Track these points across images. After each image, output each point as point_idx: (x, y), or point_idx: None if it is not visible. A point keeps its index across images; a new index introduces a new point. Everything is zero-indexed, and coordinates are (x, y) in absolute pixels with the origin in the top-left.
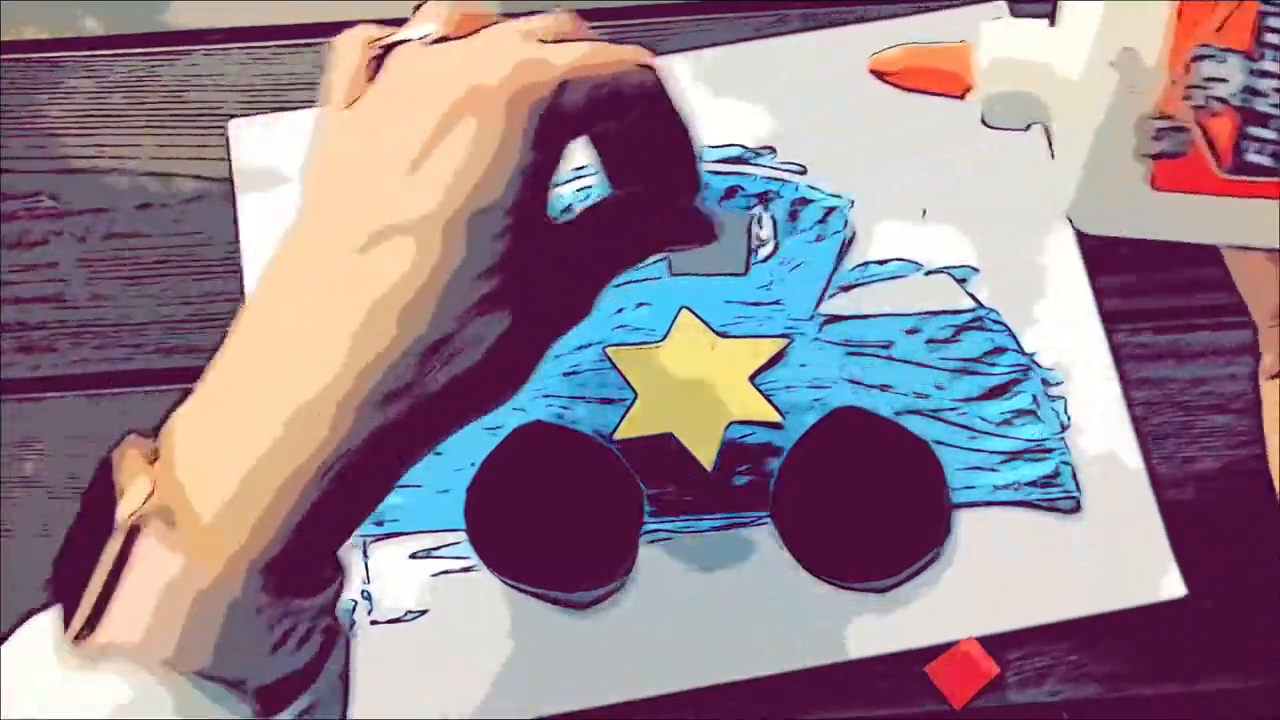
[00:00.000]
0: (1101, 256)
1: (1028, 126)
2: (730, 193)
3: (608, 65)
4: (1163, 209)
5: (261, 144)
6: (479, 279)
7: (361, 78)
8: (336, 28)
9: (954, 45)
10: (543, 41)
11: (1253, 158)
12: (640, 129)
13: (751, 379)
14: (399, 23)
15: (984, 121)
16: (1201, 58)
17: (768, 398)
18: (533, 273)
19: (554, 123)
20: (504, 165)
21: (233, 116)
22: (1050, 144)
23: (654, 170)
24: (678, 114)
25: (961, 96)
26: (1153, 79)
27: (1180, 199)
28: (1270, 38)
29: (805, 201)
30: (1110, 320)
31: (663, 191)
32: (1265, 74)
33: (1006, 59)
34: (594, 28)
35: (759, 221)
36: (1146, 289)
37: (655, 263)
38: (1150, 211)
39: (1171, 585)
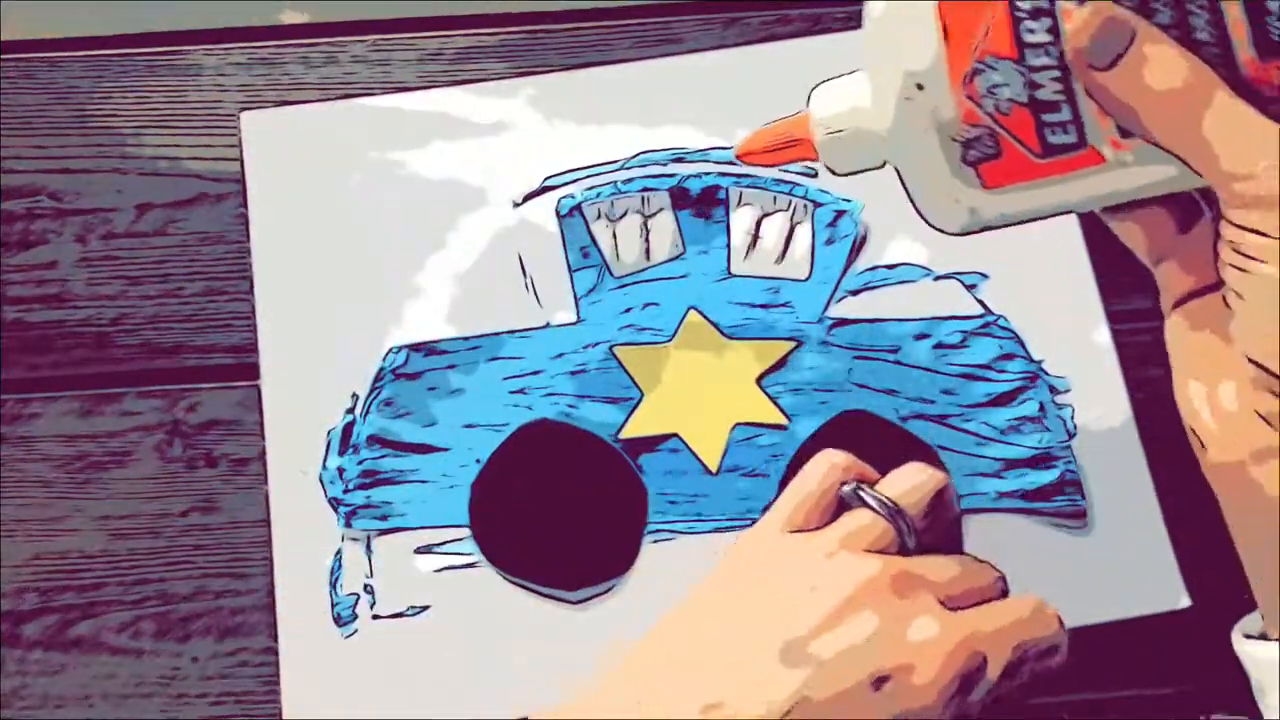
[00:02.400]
0: (1111, 264)
1: (870, 169)
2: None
3: (1026, 630)
4: (1004, 201)
5: (273, 136)
6: None
7: (822, 505)
8: (337, 28)
9: (794, 117)
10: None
11: (1056, 139)
12: None
13: (758, 381)
14: (401, 25)
15: (832, 172)
16: (978, 72)
17: (774, 400)
18: None
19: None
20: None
21: (232, 116)
22: (900, 177)
23: None
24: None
25: (817, 159)
26: (946, 100)
27: (1014, 190)
28: (1028, 37)
29: (816, 204)
30: (1118, 328)
31: None
32: (1037, 68)
33: (832, 117)
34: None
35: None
36: (1156, 297)
37: (671, 261)
38: (995, 207)
39: (1176, 596)
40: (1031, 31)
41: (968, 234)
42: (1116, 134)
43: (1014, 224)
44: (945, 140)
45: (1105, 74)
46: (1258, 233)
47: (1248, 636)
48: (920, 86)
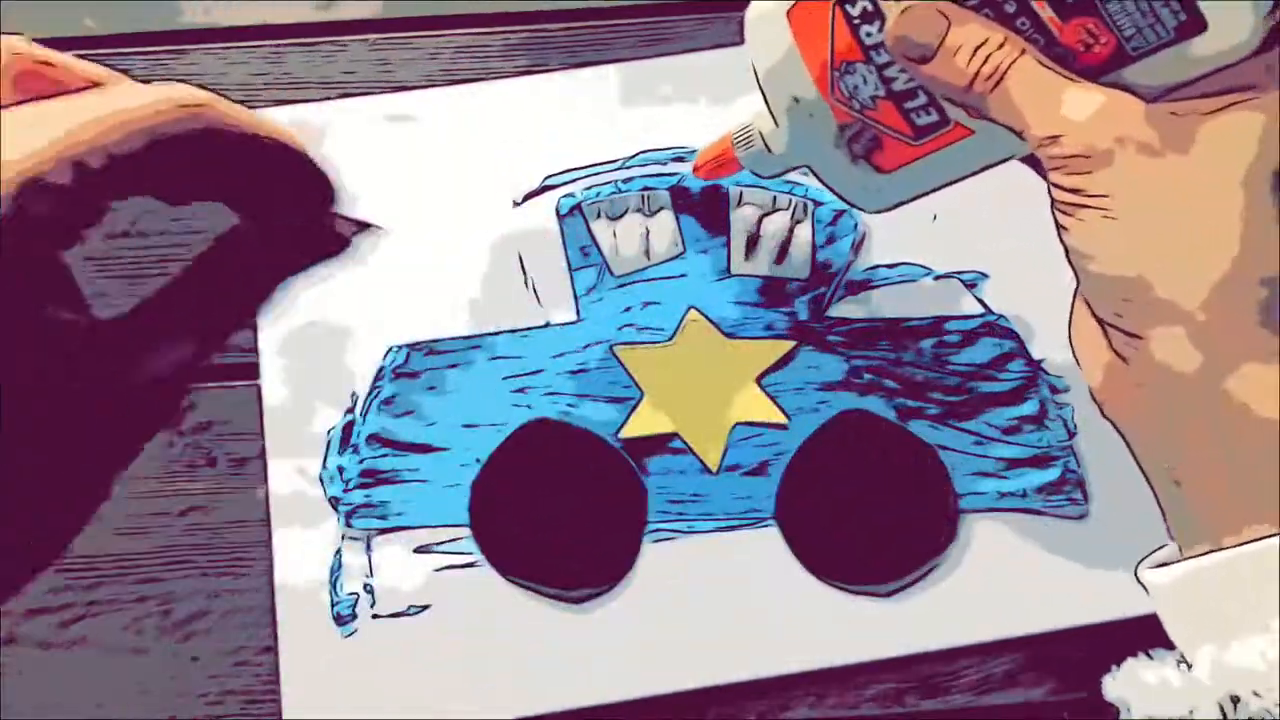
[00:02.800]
0: None
1: (786, 171)
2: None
3: (101, 138)
4: (901, 180)
5: None
6: None
7: None
8: (337, 28)
9: (720, 138)
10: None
11: (923, 120)
12: (221, 168)
13: (758, 380)
14: (401, 25)
15: (753, 173)
16: (837, 78)
17: (774, 399)
18: (42, 403)
19: (16, 240)
20: None
21: None
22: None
23: (264, 195)
24: (252, 137)
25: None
26: (820, 107)
27: (905, 169)
28: (867, 40)
29: (816, 203)
30: None
31: (285, 211)
32: (885, 65)
33: (741, 131)
34: (590, 27)
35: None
36: None
37: (671, 260)
38: (895, 185)
39: None
40: (869, 35)
41: (891, 209)
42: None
43: (930, 192)
44: (833, 141)
45: (926, 66)
46: (1072, 190)
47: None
48: (797, 100)
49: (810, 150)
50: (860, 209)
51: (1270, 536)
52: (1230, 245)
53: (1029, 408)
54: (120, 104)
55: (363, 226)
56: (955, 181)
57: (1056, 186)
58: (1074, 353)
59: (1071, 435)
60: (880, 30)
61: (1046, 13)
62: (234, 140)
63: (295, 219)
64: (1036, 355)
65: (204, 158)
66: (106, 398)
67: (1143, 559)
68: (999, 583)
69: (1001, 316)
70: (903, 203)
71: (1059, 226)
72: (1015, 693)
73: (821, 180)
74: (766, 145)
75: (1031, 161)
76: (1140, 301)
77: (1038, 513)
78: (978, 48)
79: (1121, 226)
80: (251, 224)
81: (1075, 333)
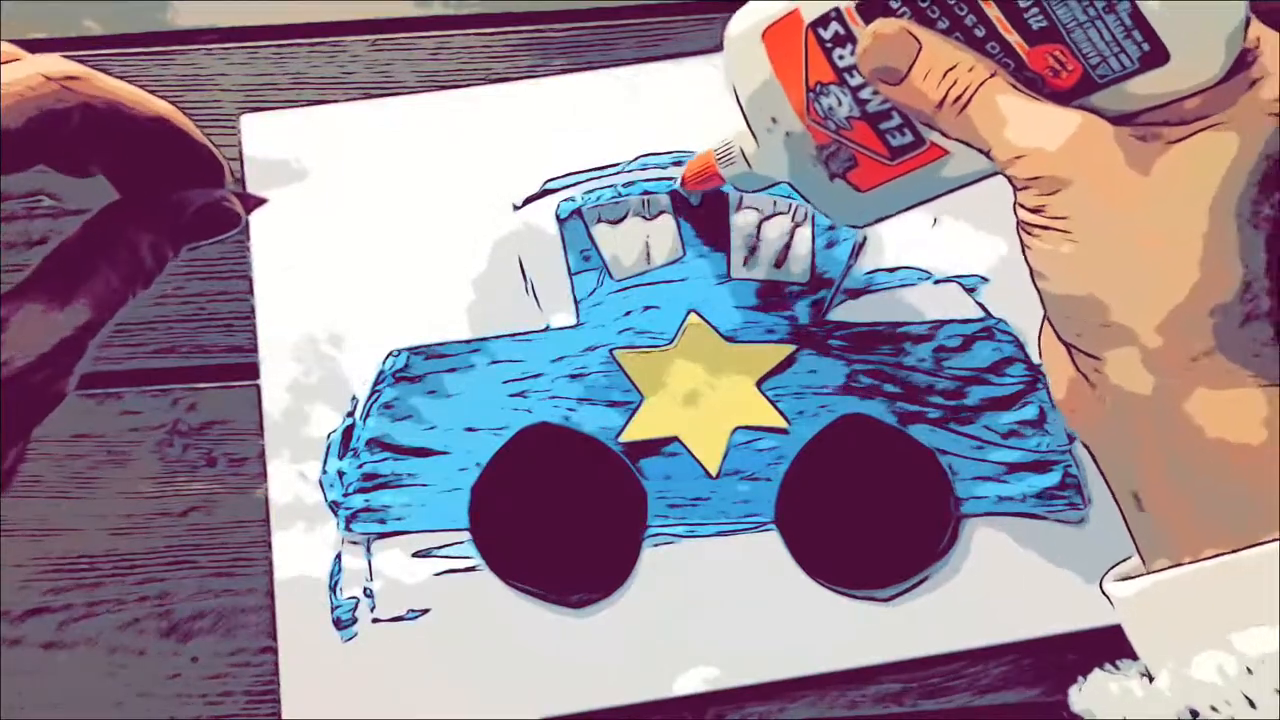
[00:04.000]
0: None
1: (769, 186)
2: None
3: None
4: (879, 198)
5: (273, 138)
6: None
7: None
8: (336, 28)
9: (703, 153)
10: None
11: (897, 141)
12: (101, 141)
13: (759, 384)
14: (401, 25)
15: (737, 189)
16: (812, 100)
17: (774, 403)
18: None
19: None
20: None
21: (232, 116)
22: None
23: (148, 168)
24: (127, 111)
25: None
26: (797, 127)
27: (883, 188)
28: (840, 62)
29: None
30: None
31: (170, 185)
32: (858, 86)
33: (723, 148)
34: (592, 28)
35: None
36: None
37: (671, 264)
38: (874, 203)
39: None
40: (841, 57)
41: (872, 224)
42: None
43: (908, 209)
44: (810, 160)
45: (897, 88)
46: (1033, 210)
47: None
48: (775, 119)
49: (790, 168)
50: (841, 224)
51: (1227, 554)
52: (1189, 271)
53: (1029, 412)
54: None
55: (254, 202)
56: (934, 199)
57: (1020, 206)
58: (1042, 367)
59: (1071, 439)
60: (852, 53)
61: (1014, 38)
62: (110, 114)
63: (181, 195)
64: (1036, 359)
65: (84, 131)
66: None
67: (1106, 571)
68: (999, 587)
69: (1001, 320)
70: (883, 219)
71: (1022, 246)
72: (1015, 693)
73: (803, 196)
74: (747, 162)
75: None
76: (1097, 323)
77: (1037, 517)
78: (948, 71)
79: (1080, 248)
80: (132, 198)
81: (1044, 348)
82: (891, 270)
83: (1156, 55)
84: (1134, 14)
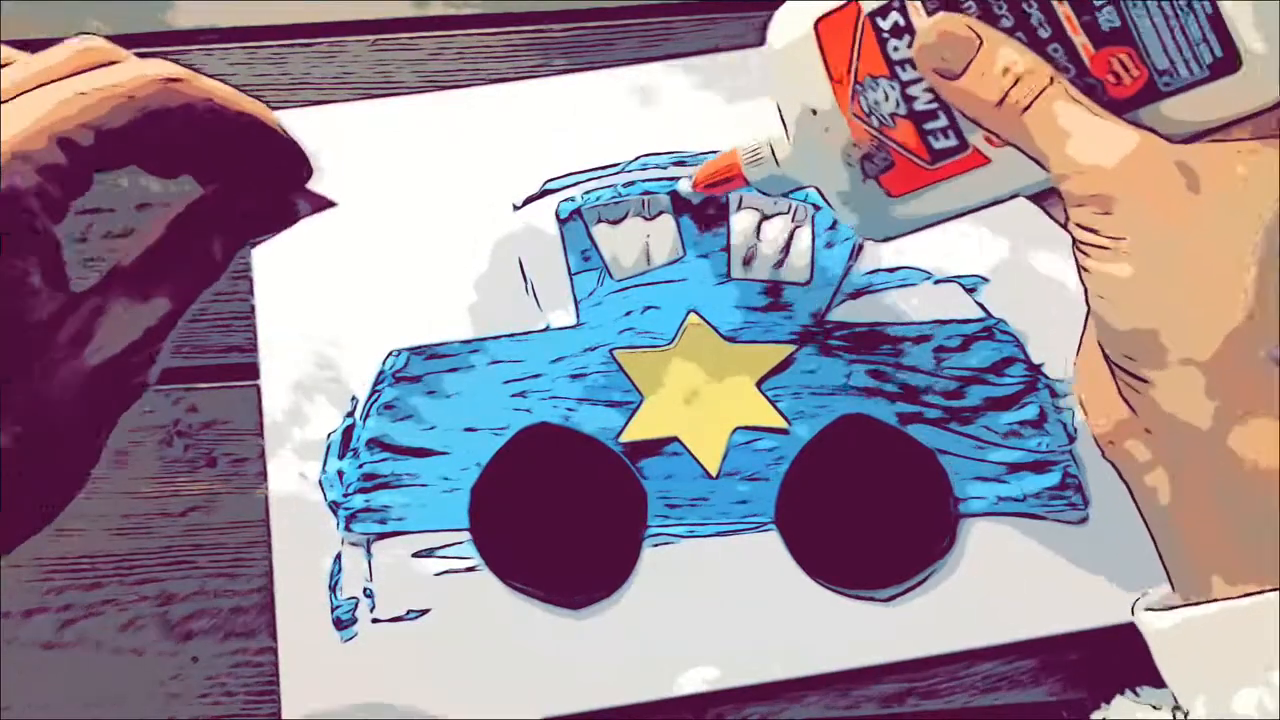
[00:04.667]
0: None
1: (793, 191)
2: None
3: (83, 115)
4: (909, 205)
5: None
6: None
7: None
8: (336, 28)
9: (726, 152)
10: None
11: (939, 144)
12: (198, 140)
13: (758, 384)
14: (401, 25)
15: (763, 193)
16: (859, 93)
17: (774, 403)
18: (24, 378)
19: (4, 213)
20: None
21: None
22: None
23: (238, 167)
24: (227, 111)
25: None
26: (837, 122)
27: (915, 195)
28: (894, 55)
29: (816, 208)
30: None
31: (257, 183)
32: (909, 82)
33: (750, 147)
34: (592, 28)
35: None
36: None
37: (671, 264)
38: (905, 212)
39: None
40: (896, 49)
41: (893, 239)
42: (988, 137)
43: (933, 224)
44: (845, 158)
45: (954, 83)
46: (1089, 229)
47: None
48: (814, 112)
49: (820, 167)
50: (863, 236)
51: (1270, 591)
52: (1245, 295)
53: (1029, 412)
54: (101, 82)
55: (324, 204)
56: (959, 215)
57: (1075, 224)
58: (1079, 394)
59: (1071, 439)
60: (908, 46)
61: (1080, 39)
62: (208, 114)
63: (264, 192)
64: (1036, 359)
65: (184, 130)
66: (82, 366)
67: (1137, 599)
68: (999, 587)
69: (1001, 320)
70: (905, 234)
71: (1078, 265)
72: (1015, 693)
73: (827, 202)
74: (776, 160)
75: (1037, 200)
76: (1150, 347)
77: (1037, 517)
78: (1007, 69)
79: (1136, 270)
80: (219, 194)
81: (1081, 372)
82: (891, 270)
83: (1228, 63)
84: (1212, 16)
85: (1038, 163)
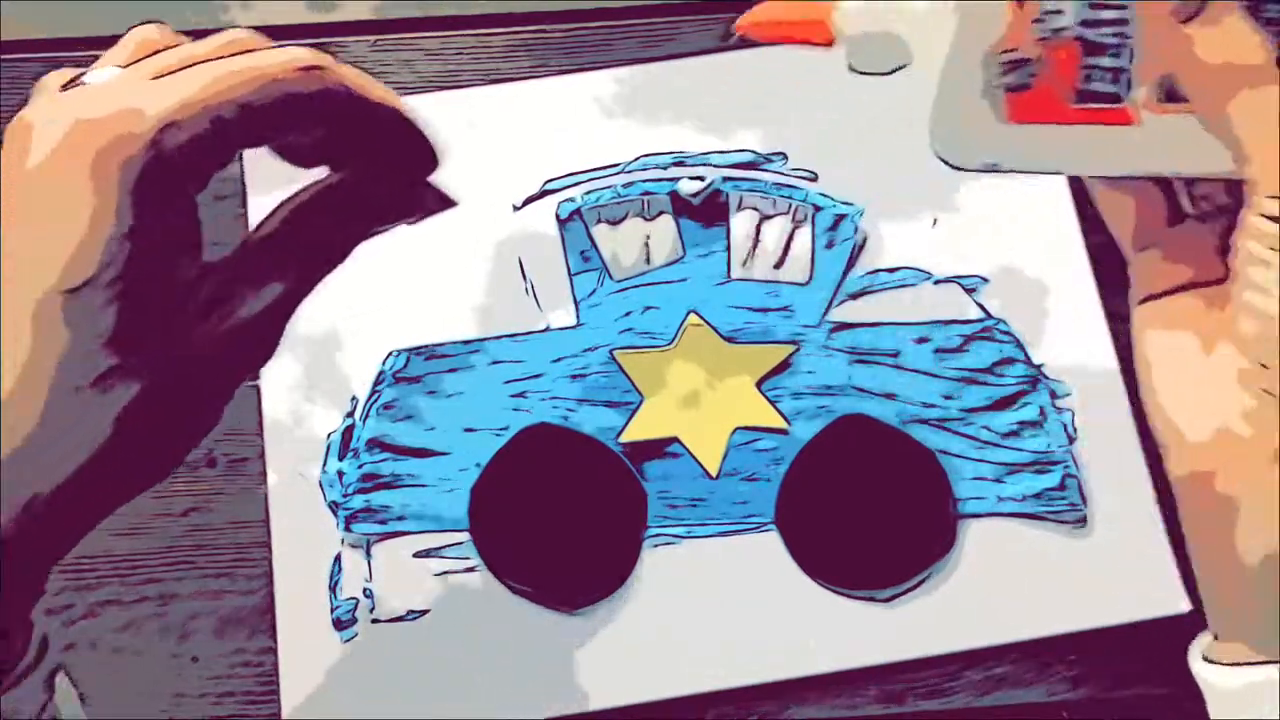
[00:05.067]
0: (1111, 266)
1: (894, 70)
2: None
3: (231, 92)
4: (1017, 140)
5: None
6: (88, 357)
7: None
8: (336, 28)
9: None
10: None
11: (1096, 86)
12: (335, 126)
13: (758, 385)
14: (401, 25)
15: (851, 67)
16: None
17: (774, 403)
18: (164, 333)
19: (155, 177)
20: (97, 236)
21: None
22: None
23: (370, 155)
24: (364, 99)
25: (829, 45)
26: (996, 13)
27: (1033, 130)
28: None
29: (816, 208)
30: (1119, 332)
31: (387, 172)
32: (1102, 4)
33: (864, 6)
34: (592, 28)
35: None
36: None
37: (671, 264)
38: (1005, 143)
39: (1175, 600)
40: None
41: (968, 170)
42: (1157, 98)
43: (1019, 172)
44: (983, 55)
45: (1187, 26)
46: (1275, 220)
47: (1207, 660)
48: None
49: (950, 53)
50: (941, 153)
51: None
52: None
53: (1029, 412)
54: (249, 63)
55: (448, 202)
56: (1064, 173)
57: (1268, 217)
58: (1156, 421)
59: (1071, 440)
60: None
61: None
62: (347, 101)
63: (393, 180)
64: (1036, 360)
65: (322, 115)
66: (213, 330)
67: (1190, 644)
68: (999, 587)
69: (1001, 321)
70: (980, 170)
71: (1249, 259)
72: (1015, 693)
73: (930, 107)
74: (891, 28)
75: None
76: None
77: (1037, 518)
78: (1237, 38)
79: None
80: (349, 180)
81: (1165, 398)
82: (891, 270)
83: None
84: None
85: (1225, 143)
